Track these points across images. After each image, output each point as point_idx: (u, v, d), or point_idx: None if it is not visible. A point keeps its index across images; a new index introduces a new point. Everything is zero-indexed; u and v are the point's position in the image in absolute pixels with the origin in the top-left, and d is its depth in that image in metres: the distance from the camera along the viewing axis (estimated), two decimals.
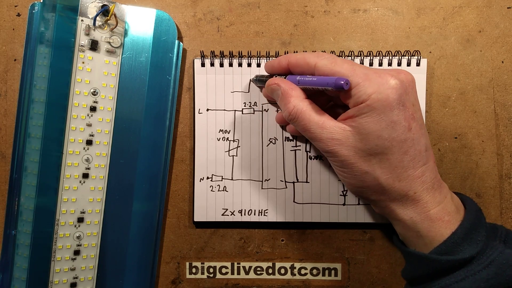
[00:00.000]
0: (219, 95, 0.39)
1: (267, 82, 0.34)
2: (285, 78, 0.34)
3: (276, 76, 0.35)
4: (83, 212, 0.37)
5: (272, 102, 0.39)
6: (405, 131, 0.29)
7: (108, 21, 0.38)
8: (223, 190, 0.40)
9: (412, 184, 0.29)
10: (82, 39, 0.37)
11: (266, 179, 0.40)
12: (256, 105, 0.39)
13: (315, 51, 0.37)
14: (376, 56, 0.39)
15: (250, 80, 0.39)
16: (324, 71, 0.30)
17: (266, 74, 0.37)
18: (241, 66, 0.39)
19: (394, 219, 0.32)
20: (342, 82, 0.28)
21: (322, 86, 0.29)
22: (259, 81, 0.37)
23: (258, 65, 0.39)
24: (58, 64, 0.36)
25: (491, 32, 0.39)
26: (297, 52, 0.39)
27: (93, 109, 0.37)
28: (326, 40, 0.40)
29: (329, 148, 0.30)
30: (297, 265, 0.40)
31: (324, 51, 0.38)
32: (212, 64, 0.39)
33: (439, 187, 0.31)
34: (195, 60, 0.39)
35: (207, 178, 0.40)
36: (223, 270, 0.40)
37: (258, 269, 0.40)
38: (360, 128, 0.29)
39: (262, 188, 0.40)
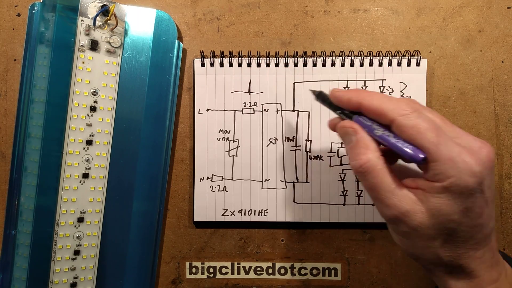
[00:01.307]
0: (219, 95, 0.39)
1: (342, 123, 0.30)
2: (350, 115, 0.30)
3: (343, 112, 0.31)
4: (83, 212, 0.37)
5: (334, 130, 0.35)
6: (477, 218, 0.27)
7: (108, 21, 0.38)
8: (223, 190, 0.40)
9: (471, 263, 0.28)
10: (82, 39, 0.37)
11: (266, 179, 0.40)
12: (256, 105, 0.39)
13: (392, 96, 0.31)
14: (376, 56, 0.39)
15: (311, 90, 0.35)
16: (403, 132, 0.27)
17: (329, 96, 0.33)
18: (241, 66, 0.39)
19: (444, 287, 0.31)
20: (420, 158, 0.26)
21: (396, 151, 0.27)
22: (323, 100, 0.33)
23: (258, 65, 0.39)
24: (58, 64, 0.36)
25: (491, 32, 0.39)
26: (295, 52, 0.39)
27: (93, 109, 0.37)
28: (326, 40, 0.40)
29: (393, 216, 0.27)
30: (297, 265, 0.40)
31: (381, 91, 0.33)
32: (212, 64, 0.39)
33: (497, 265, 0.29)
34: (195, 60, 0.39)
35: (207, 178, 0.40)
36: (223, 270, 0.40)
37: (258, 269, 0.40)
38: (431, 206, 0.27)
39: (262, 188, 0.40)
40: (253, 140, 0.39)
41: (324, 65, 0.39)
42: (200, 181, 0.40)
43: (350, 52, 0.39)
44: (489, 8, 0.39)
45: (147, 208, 0.39)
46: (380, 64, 0.39)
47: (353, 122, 0.30)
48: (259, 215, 0.40)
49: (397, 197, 0.27)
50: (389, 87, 0.39)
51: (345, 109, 0.30)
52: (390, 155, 0.30)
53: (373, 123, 0.29)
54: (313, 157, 0.39)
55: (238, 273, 0.40)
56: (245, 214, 0.40)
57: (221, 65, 0.39)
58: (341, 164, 0.39)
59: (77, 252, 0.37)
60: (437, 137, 0.26)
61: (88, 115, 0.37)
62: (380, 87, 0.39)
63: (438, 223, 0.27)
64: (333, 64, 0.39)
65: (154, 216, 0.39)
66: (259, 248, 0.40)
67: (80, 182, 0.37)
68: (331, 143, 0.39)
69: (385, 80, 0.39)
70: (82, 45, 0.37)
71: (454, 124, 0.28)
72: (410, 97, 0.39)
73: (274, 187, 0.40)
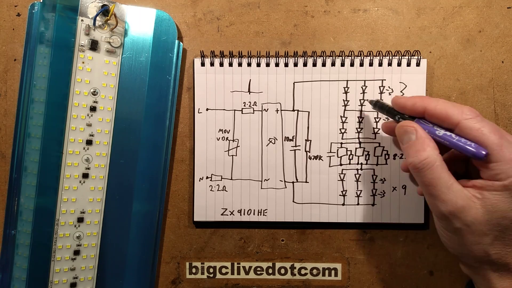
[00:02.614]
0: (219, 95, 0.39)
1: (402, 122, 0.32)
2: (411, 119, 0.32)
3: (403, 116, 0.33)
4: (83, 212, 0.37)
5: (389, 134, 0.38)
6: None
7: (108, 21, 0.38)
8: (223, 190, 0.40)
9: None
10: (82, 39, 0.37)
11: (265, 179, 0.40)
12: (256, 105, 0.39)
13: (455, 103, 0.32)
14: (376, 56, 0.39)
15: (367, 100, 0.39)
16: (467, 134, 0.29)
17: (387, 104, 0.35)
18: (241, 66, 0.39)
19: (485, 286, 0.32)
20: (483, 154, 0.27)
21: (457, 149, 0.29)
22: (381, 107, 0.36)
23: (258, 64, 0.39)
24: (58, 64, 0.36)
25: (491, 32, 0.39)
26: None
27: (93, 109, 0.37)
28: (326, 40, 0.40)
29: (448, 211, 0.29)
30: (297, 265, 0.40)
31: (443, 97, 0.34)
32: (212, 64, 0.39)
33: None
34: (195, 60, 0.39)
35: (207, 177, 0.40)
36: (223, 270, 0.40)
37: (258, 269, 0.40)
38: (487, 203, 0.28)
39: (261, 188, 0.40)
40: (253, 139, 0.39)
41: (324, 65, 0.39)
42: (199, 180, 0.40)
43: (350, 52, 0.39)
44: (489, 8, 0.39)
45: (147, 208, 0.39)
46: (380, 64, 0.39)
47: (412, 121, 0.32)
48: (258, 215, 0.40)
49: (454, 192, 0.29)
50: (389, 87, 0.39)
51: (406, 114, 0.33)
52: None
53: (434, 125, 0.31)
54: (312, 157, 0.39)
55: (238, 273, 0.40)
56: (244, 214, 0.40)
57: (221, 64, 0.39)
58: (341, 164, 0.39)
59: (77, 252, 0.37)
60: (500, 139, 0.28)
61: (88, 115, 0.37)
62: (380, 87, 0.39)
63: (492, 219, 0.28)
64: (333, 64, 0.39)
65: (154, 216, 0.39)
66: (259, 248, 0.40)
67: (80, 182, 0.37)
68: (331, 143, 0.39)
69: (385, 80, 0.39)
70: (82, 45, 0.37)
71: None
72: None
73: (273, 187, 0.40)
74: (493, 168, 0.28)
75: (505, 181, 0.28)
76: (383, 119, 0.39)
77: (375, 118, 0.39)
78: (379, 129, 0.39)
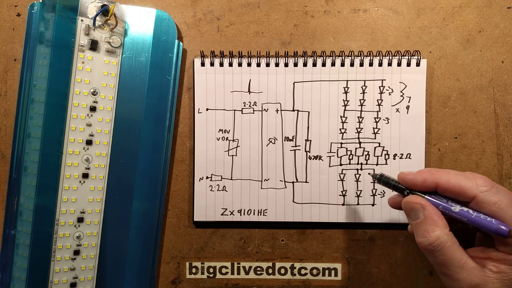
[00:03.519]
0: (219, 94, 0.39)
1: (408, 198, 0.31)
2: (423, 195, 0.31)
3: (415, 193, 0.32)
4: (83, 212, 0.37)
5: (396, 208, 0.35)
6: None
7: (108, 21, 0.38)
8: (223, 190, 0.40)
9: None
10: (82, 39, 0.37)
11: (265, 179, 0.40)
12: (256, 105, 0.39)
13: (467, 172, 0.31)
14: (376, 56, 0.39)
15: (370, 174, 0.38)
16: (484, 208, 0.28)
17: (393, 178, 0.33)
18: (241, 66, 0.39)
19: None
20: (506, 231, 0.27)
21: (477, 226, 0.28)
22: (385, 183, 0.33)
23: (258, 64, 0.39)
24: (58, 64, 0.36)
25: (491, 32, 0.39)
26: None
27: (93, 109, 0.37)
28: (326, 40, 0.40)
29: None
30: (297, 265, 0.40)
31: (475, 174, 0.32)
32: (212, 64, 0.39)
33: None
34: (195, 59, 0.39)
35: (207, 177, 0.40)
36: (223, 270, 0.40)
37: (258, 269, 0.40)
38: (504, 277, 0.28)
39: (261, 188, 0.40)
40: (253, 139, 0.39)
41: (324, 65, 0.39)
42: (199, 180, 0.40)
43: (350, 52, 0.39)
44: (489, 8, 0.39)
45: (147, 208, 0.39)
46: (380, 64, 0.39)
47: (419, 197, 0.31)
48: (258, 215, 0.40)
49: (467, 271, 0.28)
50: (389, 87, 0.39)
51: (415, 190, 0.31)
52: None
53: (448, 201, 0.30)
54: (312, 157, 0.39)
55: (238, 273, 0.40)
56: (244, 214, 0.40)
57: (221, 64, 0.39)
58: (341, 164, 0.39)
59: (77, 252, 0.37)
60: None
61: (88, 115, 0.37)
62: (380, 87, 0.39)
63: None
64: (333, 64, 0.39)
65: (154, 216, 0.39)
66: (259, 248, 0.40)
67: (80, 182, 0.37)
68: (331, 143, 0.39)
69: (385, 80, 0.39)
70: (82, 45, 0.37)
71: None
72: (410, 97, 0.39)
73: (273, 187, 0.40)
74: (511, 243, 0.28)
75: None
76: (383, 119, 0.39)
77: (375, 118, 0.39)
78: (379, 129, 0.39)
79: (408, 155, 0.39)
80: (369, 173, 0.39)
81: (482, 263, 0.28)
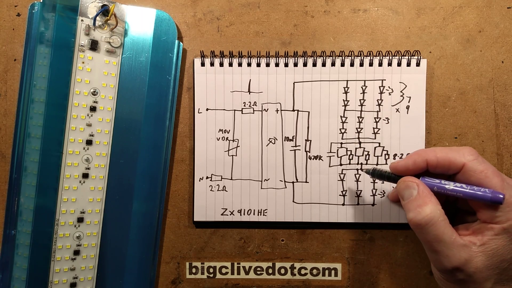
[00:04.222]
0: (219, 94, 0.39)
1: (405, 178, 0.32)
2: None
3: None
4: (83, 212, 0.37)
5: (396, 202, 0.38)
6: None
7: (108, 21, 0.38)
8: (223, 190, 0.40)
9: None
10: (82, 39, 0.37)
11: (265, 179, 0.40)
12: (256, 105, 0.39)
13: (452, 147, 0.33)
14: (376, 56, 0.39)
15: (364, 171, 0.39)
16: (471, 176, 0.29)
17: (386, 170, 0.35)
18: (241, 66, 0.39)
19: None
20: (501, 198, 0.28)
21: (472, 198, 0.29)
22: (379, 175, 0.35)
23: (258, 64, 0.39)
24: (58, 64, 0.36)
25: (491, 32, 0.39)
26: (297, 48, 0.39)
27: (93, 109, 0.37)
28: (326, 40, 0.40)
29: (452, 266, 0.29)
30: (297, 265, 0.40)
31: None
32: (212, 64, 0.39)
33: None
34: (195, 59, 0.39)
35: (207, 177, 0.40)
36: (223, 270, 0.40)
37: (258, 269, 0.40)
38: (487, 249, 0.29)
39: (261, 188, 0.40)
40: (253, 139, 0.39)
41: (324, 65, 0.39)
42: (199, 180, 0.40)
43: (350, 52, 0.39)
44: (489, 8, 0.39)
45: (147, 208, 0.39)
46: (380, 64, 0.39)
47: (413, 177, 0.32)
48: (258, 215, 0.40)
49: (457, 248, 0.29)
50: (389, 87, 0.39)
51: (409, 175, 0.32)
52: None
53: (441, 180, 0.31)
54: (312, 157, 0.39)
55: (238, 273, 0.40)
56: (244, 214, 0.40)
57: (221, 64, 0.39)
58: (341, 164, 0.39)
59: (77, 252, 0.37)
60: (501, 182, 0.29)
61: (88, 115, 0.37)
62: (380, 87, 0.39)
63: (492, 264, 0.29)
64: (333, 64, 0.39)
65: (154, 216, 0.39)
66: (259, 248, 0.40)
67: (80, 182, 0.37)
68: (331, 143, 0.39)
69: (385, 80, 0.39)
70: (82, 45, 0.37)
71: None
72: (410, 97, 0.39)
73: (273, 187, 0.40)
74: (493, 211, 0.29)
75: (504, 224, 0.28)
76: (383, 119, 0.39)
77: (375, 118, 0.39)
78: (379, 129, 0.39)
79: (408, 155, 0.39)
80: (361, 169, 0.39)
81: (467, 240, 0.29)
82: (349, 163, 0.39)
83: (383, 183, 0.39)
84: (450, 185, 0.30)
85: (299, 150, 0.39)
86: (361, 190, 0.39)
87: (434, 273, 0.33)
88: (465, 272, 0.29)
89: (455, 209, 0.34)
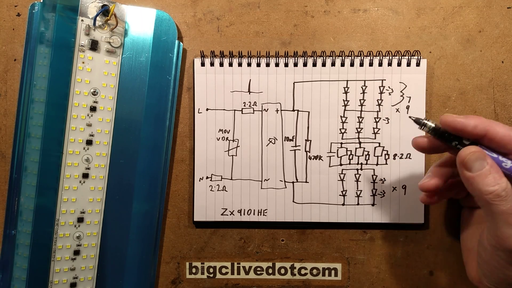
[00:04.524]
0: (219, 94, 0.39)
1: (469, 148, 0.29)
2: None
3: (461, 142, 0.30)
4: (83, 212, 0.37)
5: (424, 150, 0.33)
6: None
7: (108, 21, 0.38)
8: (223, 190, 0.40)
9: None
10: (82, 39, 0.37)
11: (265, 179, 0.40)
12: (256, 105, 0.39)
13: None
14: (376, 56, 0.39)
15: (412, 118, 0.33)
16: None
17: (437, 125, 0.31)
18: (241, 66, 0.39)
19: None
20: None
21: None
22: (435, 131, 0.31)
23: (258, 64, 0.39)
24: (58, 64, 0.36)
25: (491, 32, 0.39)
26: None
27: (93, 109, 0.37)
28: (326, 40, 0.40)
29: None
30: (297, 265, 0.40)
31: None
32: (212, 64, 0.39)
33: None
34: (195, 59, 0.39)
35: (207, 177, 0.40)
36: (223, 270, 0.40)
37: (258, 269, 0.40)
38: None
39: (261, 188, 0.40)
40: (253, 139, 0.39)
41: (324, 65, 0.39)
42: (199, 180, 0.40)
43: (350, 52, 0.39)
44: (489, 8, 0.39)
45: (147, 208, 0.39)
46: (380, 64, 0.39)
47: (479, 147, 0.29)
48: (258, 215, 0.40)
49: None
50: (389, 87, 0.39)
51: (465, 138, 0.30)
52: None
53: (498, 155, 0.29)
54: (312, 157, 0.39)
55: (238, 273, 0.40)
56: (244, 214, 0.40)
57: (221, 64, 0.39)
58: (341, 164, 0.39)
59: (77, 252, 0.37)
60: None
61: (88, 115, 0.37)
62: (380, 87, 0.39)
63: None
64: (333, 64, 0.39)
65: (154, 216, 0.39)
66: (259, 248, 0.40)
67: (80, 182, 0.37)
68: (331, 143, 0.39)
69: (385, 80, 0.39)
70: (82, 45, 0.37)
71: None
72: (410, 97, 0.39)
73: (273, 187, 0.40)
74: None
75: None
76: (383, 119, 0.39)
77: (375, 118, 0.39)
78: (379, 129, 0.39)
79: (408, 155, 0.39)
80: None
81: None
82: (349, 163, 0.39)
83: (383, 182, 0.39)
84: (508, 164, 0.28)
85: (299, 150, 0.39)
86: (361, 190, 0.39)
87: (482, 253, 0.31)
88: None
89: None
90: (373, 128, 0.39)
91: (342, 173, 0.39)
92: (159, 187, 0.39)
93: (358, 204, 0.39)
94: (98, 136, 0.38)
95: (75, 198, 0.37)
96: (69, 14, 0.37)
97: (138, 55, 0.39)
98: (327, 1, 0.40)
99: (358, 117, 0.39)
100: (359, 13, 0.40)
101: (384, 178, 0.39)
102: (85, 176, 0.37)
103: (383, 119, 0.39)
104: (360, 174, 0.39)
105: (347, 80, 0.39)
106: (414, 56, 0.39)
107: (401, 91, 0.39)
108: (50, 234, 0.36)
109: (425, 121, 0.31)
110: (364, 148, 0.39)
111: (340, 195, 0.39)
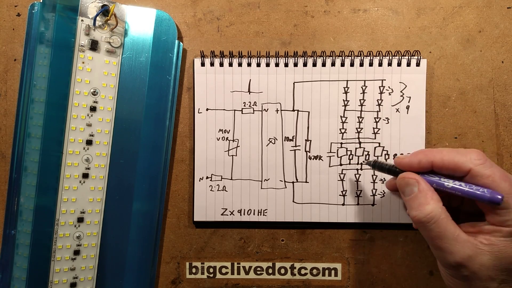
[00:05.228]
0: (219, 94, 0.39)
1: (404, 174, 0.32)
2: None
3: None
4: (83, 212, 0.37)
5: (394, 191, 0.36)
6: None
7: (108, 21, 0.38)
8: (223, 190, 0.40)
9: None
10: (82, 39, 0.37)
11: (265, 179, 0.40)
12: (256, 105, 0.39)
13: (460, 148, 0.32)
14: (376, 56, 0.39)
15: (365, 162, 0.39)
16: (478, 181, 0.29)
17: (387, 163, 0.35)
18: (241, 66, 0.39)
19: None
20: (499, 199, 0.27)
21: (470, 197, 0.29)
22: (380, 167, 0.35)
23: (258, 64, 0.39)
24: (58, 64, 0.36)
25: (491, 32, 0.39)
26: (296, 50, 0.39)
27: (93, 109, 0.37)
28: (326, 40, 0.40)
29: (455, 262, 0.29)
30: (297, 265, 0.40)
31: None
32: (212, 64, 0.39)
33: None
34: (195, 59, 0.39)
35: (207, 177, 0.40)
36: (223, 270, 0.40)
37: (258, 269, 0.40)
38: (494, 249, 0.29)
39: (261, 188, 0.40)
40: (253, 139, 0.39)
41: (324, 65, 0.39)
42: (199, 180, 0.40)
43: (350, 52, 0.39)
44: (489, 8, 0.39)
45: (147, 208, 0.39)
46: (380, 64, 0.39)
47: (414, 173, 0.31)
48: (258, 215, 0.40)
49: (460, 243, 0.29)
50: (389, 87, 0.39)
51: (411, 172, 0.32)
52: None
53: (440, 177, 0.31)
54: (312, 157, 0.39)
55: (238, 273, 0.40)
56: (244, 214, 0.40)
57: (221, 64, 0.39)
58: (341, 164, 0.39)
59: (77, 252, 0.37)
60: (510, 186, 0.28)
61: (88, 115, 0.37)
62: (380, 87, 0.39)
63: (499, 265, 0.28)
64: (333, 64, 0.39)
65: (154, 216, 0.39)
66: (259, 248, 0.40)
67: (80, 182, 0.37)
68: (331, 143, 0.39)
69: (385, 80, 0.39)
70: (82, 45, 0.37)
71: None
72: (410, 97, 0.39)
73: (273, 187, 0.40)
74: (502, 215, 0.28)
75: None
76: (383, 119, 0.39)
77: (375, 118, 0.39)
78: (379, 129, 0.39)
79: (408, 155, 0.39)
80: (363, 162, 0.39)
81: (473, 237, 0.29)
82: (349, 163, 0.39)
83: (382, 182, 0.39)
84: (449, 183, 0.30)
85: (299, 150, 0.39)
86: (361, 190, 0.39)
87: (440, 270, 0.33)
88: (469, 268, 0.29)
89: (458, 211, 0.34)
90: (373, 128, 0.39)
91: (342, 173, 0.39)
92: (159, 187, 0.39)
93: (358, 204, 0.39)
94: (98, 136, 0.38)
95: (75, 198, 0.37)
96: (69, 14, 0.37)
97: (138, 55, 0.39)
98: (327, 1, 0.40)
99: (358, 117, 0.39)
100: (359, 13, 0.40)
101: (384, 178, 0.39)
102: (85, 176, 0.37)
103: (383, 119, 0.39)
104: (360, 174, 0.39)
105: (347, 80, 0.39)
106: (414, 56, 0.39)
107: (401, 91, 0.39)
108: (50, 234, 0.36)
109: (372, 162, 0.35)
110: (364, 148, 0.39)
111: (340, 195, 0.39)
